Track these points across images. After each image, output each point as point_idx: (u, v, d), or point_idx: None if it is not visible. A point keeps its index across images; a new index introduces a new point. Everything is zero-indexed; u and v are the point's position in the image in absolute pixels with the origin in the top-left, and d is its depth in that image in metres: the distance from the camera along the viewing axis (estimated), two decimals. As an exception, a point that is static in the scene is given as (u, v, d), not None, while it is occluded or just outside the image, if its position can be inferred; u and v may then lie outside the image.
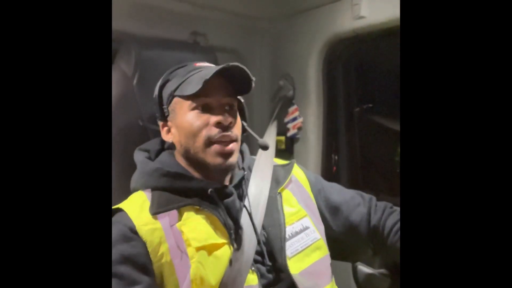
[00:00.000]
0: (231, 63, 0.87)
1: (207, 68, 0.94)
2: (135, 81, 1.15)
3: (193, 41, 1.38)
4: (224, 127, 0.89)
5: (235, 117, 0.92)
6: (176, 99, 0.92)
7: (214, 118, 0.88)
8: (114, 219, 0.86)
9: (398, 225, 1.01)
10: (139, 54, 1.16)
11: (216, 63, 1.06)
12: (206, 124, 0.88)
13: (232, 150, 0.90)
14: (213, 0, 1.38)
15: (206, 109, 0.90)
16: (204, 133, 0.88)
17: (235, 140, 0.91)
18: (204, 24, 1.41)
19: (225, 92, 0.91)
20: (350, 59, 1.55)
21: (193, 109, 0.89)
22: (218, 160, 0.88)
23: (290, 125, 1.54)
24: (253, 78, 0.91)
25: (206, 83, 0.84)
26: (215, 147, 0.88)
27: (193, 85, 0.87)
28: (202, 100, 0.89)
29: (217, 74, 0.86)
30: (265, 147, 0.96)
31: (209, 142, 0.88)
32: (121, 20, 1.20)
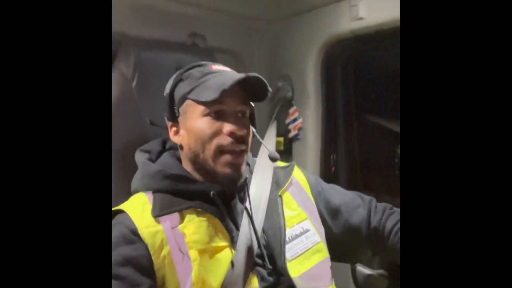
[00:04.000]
0: (251, 74, 0.86)
1: (223, 73, 0.92)
2: (134, 83, 1.15)
3: (191, 43, 1.38)
4: (236, 137, 0.87)
5: (248, 127, 0.91)
6: (188, 102, 0.90)
7: (227, 127, 0.87)
8: (115, 220, 0.86)
9: (398, 226, 1.01)
10: (138, 56, 1.16)
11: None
12: (219, 133, 0.87)
13: (243, 162, 0.89)
14: (212, 1, 1.38)
15: (219, 116, 0.88)
16: (215, 142, 0.87)
17: (246, 152, 0.90)
18: (203, 25, 1.41)
19: (239, 99, 0.90)
20: (349, 60, 1.55)
21: (206, 115, 0.88)
22: (228, 171, 0.88)
23: (291, 126, 1.54)
24: (270, 89, 0.89)
25: (224, 92, 0.83)
26: (226, 158, 0.87)
27: (210, 92, 0.85)
28: (217, 107, 0.87)
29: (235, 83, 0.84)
30: (275, 159, 0.95)
31: (220, 151, 0.87)
32: (120, 22, 1.20)
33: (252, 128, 0.95)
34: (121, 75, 1.16)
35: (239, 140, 0.88)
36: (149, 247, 0.82)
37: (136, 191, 0.94)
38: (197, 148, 0.89)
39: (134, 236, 0.83)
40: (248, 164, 0.99)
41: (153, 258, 0.82)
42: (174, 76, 0.96)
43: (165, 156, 0.98)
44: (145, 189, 0.92)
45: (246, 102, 0.92)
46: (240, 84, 0.87)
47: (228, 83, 0.83)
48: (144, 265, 0.81)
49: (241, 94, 0.90)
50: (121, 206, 0.89)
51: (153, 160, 0.98)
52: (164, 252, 0.83)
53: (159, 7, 1.31)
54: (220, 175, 0.88)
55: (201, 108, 0.88)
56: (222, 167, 0.88)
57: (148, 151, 0.99)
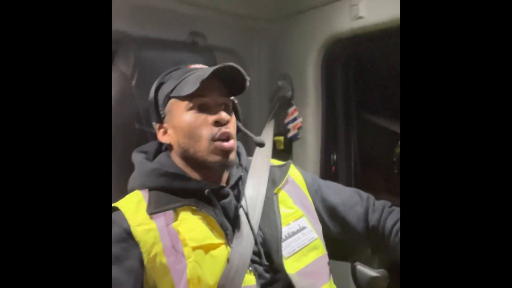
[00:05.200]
0: (226, 63, 0.89)
1: (202, 69, 0.95)
2: (133, 82, 1.15)
3: (191, 42, 1.38)
4: (222, 125, 0.90)
5: (230, 115, 0.94)
6: (172, 101, 0.94)
7: (212, 117, 0.90)
8: None
9: (399, 224, 1.00)
10: (138, 55, 1.16)
11: (214, 64, 1.07)
12: (205, 124, 0.90)
13: (232, 147, 0.91)
14: (212, 0, 1.38)
15: (202, 108, 0.91)
16: (205, 133, 0.89)
17: (233, 137, 0.92)
18: (203, 24, 1.41)
19: (220, 92, 0.93)
20: (349, 59, 1.55)
21: (190, 109, 0.91)
22: (218, 158, 0.89)
23: (290, 126, 1.54)
24: (248, 78, 0.92)
25: (204, 82, 0.86)
26: (215, 144, 0.89)
27: (190, 85, 0.88)
28: (199, 100, 0.90)
29: (213, 74, 0.87)
30: (261, 144, 0.97)
31: (212, 141, 0.89)
32: (120, 21, 1.20)
33: (237, 122, 0.98)
34: (121, 74, 1.16)
35: (225, 127, 0.90)
36: (141, 245, 0.83)
37: (133, 190, 0.94)
38: (185, 143, 0.91)
39: (126, 235, 0.83)
40: (239, 157, 1.01)
41: (144, 256, 0.82)
42: (156, 81, 0.99)
43: (162, 156, 0.99)
44: (141, 187, 0.93)
45: (227, 95, 0.95)
46: (219, 77, 0.91)
47: (206, 74, 0.86)
48: (132, 265, 0.82)
49: (221, 87, 0.93)
50: (116, 203, 0.89)
51: (150, 160, 0.99)
52: (157, 249, 0.83)
53: (159, 6, 1.31)
54: (211, 163, 0.90)
55: (184, 103, 0.91)
56: (212, 155, 0.89)
57: (145, 152, 1.01)
